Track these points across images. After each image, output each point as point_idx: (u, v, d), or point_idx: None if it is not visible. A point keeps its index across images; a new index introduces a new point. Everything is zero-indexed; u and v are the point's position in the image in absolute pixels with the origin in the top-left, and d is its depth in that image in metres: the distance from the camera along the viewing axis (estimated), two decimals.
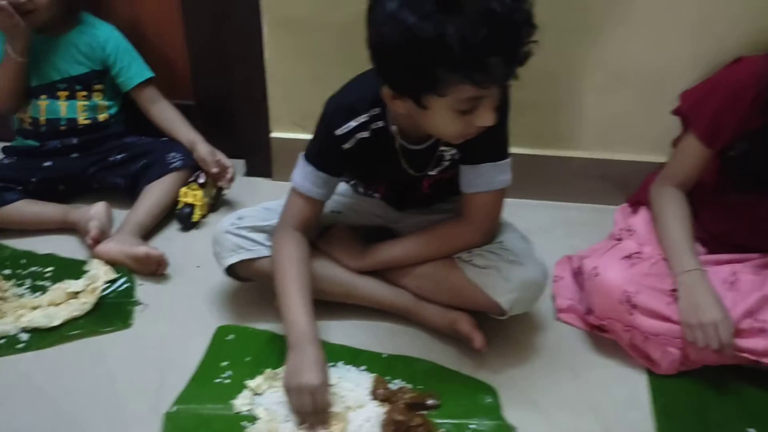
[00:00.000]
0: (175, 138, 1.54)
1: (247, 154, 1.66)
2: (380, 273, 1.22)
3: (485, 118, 0.94)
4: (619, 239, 1.26)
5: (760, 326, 1.07)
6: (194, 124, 1.57)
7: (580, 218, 1.51)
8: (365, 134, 1.08)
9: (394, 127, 1.08)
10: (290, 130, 1.58)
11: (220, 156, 1.51)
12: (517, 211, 1.27)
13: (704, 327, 1.07)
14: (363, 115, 1.07)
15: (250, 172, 1.67)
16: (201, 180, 1.50)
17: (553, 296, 1.29)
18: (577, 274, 1.26)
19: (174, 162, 1.49)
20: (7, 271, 1.33)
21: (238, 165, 1.65)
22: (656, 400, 1.09)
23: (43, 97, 1.48)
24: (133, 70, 1.52)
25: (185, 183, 1.50)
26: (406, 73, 0.90)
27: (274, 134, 1.59)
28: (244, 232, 1.19)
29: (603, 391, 1.11)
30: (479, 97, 0.91)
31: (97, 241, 1.35)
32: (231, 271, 1.20)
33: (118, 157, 1.53)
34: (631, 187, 1.36)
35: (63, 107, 1.49)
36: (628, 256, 1.16)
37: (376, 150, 1.10)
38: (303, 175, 1.13)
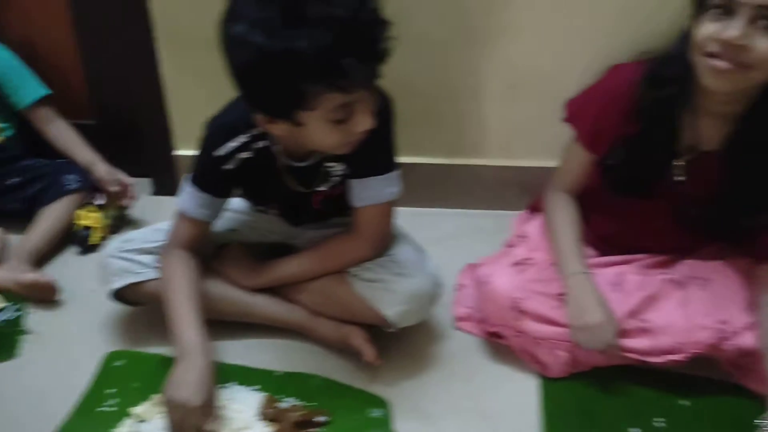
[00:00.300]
0: (72, 159, 1.50)
1: (153, 173, 1.63)
2: (275, 290, 1.21)
3: (363, 123, 0.94)
4: (512, 246, 1.28)
5: (644, 326, 1.10)
6: (95, 144, 1.53)
7: (486, 225, 1.52)
8: (247, 154, 1.07)
9: (276, 147, 1.07)
10: (195, 148, 1.54)
11: (120, 175, 1.48)
12: (422, 220, 1.28)
13: (589, 329, 1.08)
14: (243, 135, 1.06)
15: (157, 191, 1.64)
16: (100, 201, 1.46)
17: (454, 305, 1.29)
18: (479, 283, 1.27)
19: (69, 184, 1.45)
20: None
21: (143, 184, 1.62)
22: (546, 404, 1.10)
23: None
24: (27, 88, 1.47)
25: (82, 205, 1.46)
26: (271, 95, 0.90)
27: (178, 152, 1.57)
28: (130, 255, 1.16)
29: (495, 398, 1.12)
30: (350, 102, 0.91)
31: None
32: (119, 295, 1.18)
33: (15, 180, 1.48)
34: (536, 193, 1.38)
35: None
36: (518, 263, 1.18)
37: (261, 169, 1.09)
38: (187, 196, 1.12)
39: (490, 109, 1.47)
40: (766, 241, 1.14)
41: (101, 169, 1.47)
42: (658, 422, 1.07)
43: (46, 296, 1.30)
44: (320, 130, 0.94)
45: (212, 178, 1.10)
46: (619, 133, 1.12)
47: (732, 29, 0.94)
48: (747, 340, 1.06)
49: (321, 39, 0.82)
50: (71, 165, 1.49)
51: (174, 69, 1.46)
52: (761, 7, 0.92)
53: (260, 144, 1.07)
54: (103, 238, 1.45)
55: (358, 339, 1.13)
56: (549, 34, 1.37)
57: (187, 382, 0.99)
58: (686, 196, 1.11)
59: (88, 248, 1.43)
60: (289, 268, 1.19)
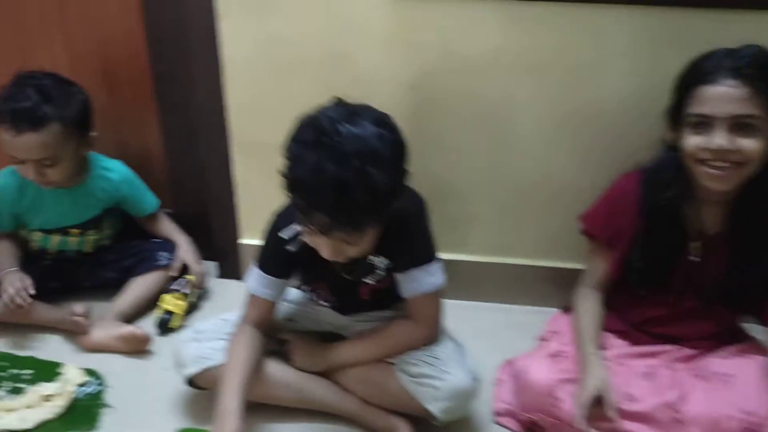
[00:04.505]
0: (169, 241, 1.69)
1: (219, 258, 1.80)
2: (327, 376, 1.32)
3: (323, 253, 1.12)
4: (546, 340, 1.39)
5: (677, 416, 1.18)
6: None
7: (522, 321, 1.61)
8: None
9: None
10: (258, 238, 1.71)
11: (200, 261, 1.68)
12: (461, 313, 1.38)
13: (582, 384, 1.20)
14: None
15: (222, 274, 1.81)
16: (185, 290, 1.61)
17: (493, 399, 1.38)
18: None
19: (161, 260, 1.63)
20: None
21: (210, 267, 1.79)
22: None
23: (56, 234, 1.60)
24: (144, 203, 1.67)
25: (169, 281, 1.63)
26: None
27: (243, 241, 1.74)
28: (203, 343, 1.30)
29: None
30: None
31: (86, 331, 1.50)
32: (191, 380, 1.31)
33: (112, 256, 1.67)
34: (569, 292, 1.49)
35: (74, 242, 1.62)
36: (553, 354, 1.29)
37: (317, 254, 1.21)
38: (254, 278, 1.28)
39: (527, 212, 1.60)
40: None
41: (187, 251, 1.66)
42: None
43: (140, 347, 1.48)
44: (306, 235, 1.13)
45: (276, 260, 1.26)
46: (633, 233, 1.25)
47: (718, 139, 1.10)
48: None
49: (306, 181, 1.03)
50: (165, 244, 1.67)
51: (244, 170, 1.65)
52: (735, 116, 1.08)
53: None
54: (182, 325, 1.60)
55: (404, 431, 1.24)
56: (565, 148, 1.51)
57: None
58: (704, 276, 1.24)
59: (166, 331, 1.58)
60: (351, 351, 1.30)
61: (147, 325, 1.59)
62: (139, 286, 1.62)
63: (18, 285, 1.49)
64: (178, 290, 1.61)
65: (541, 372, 1.24)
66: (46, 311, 1.56)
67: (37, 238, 1.61)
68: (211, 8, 1.46)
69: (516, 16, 1.38)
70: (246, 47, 1.49)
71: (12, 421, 1.31)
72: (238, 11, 1.46)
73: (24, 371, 1.45)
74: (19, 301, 1.47)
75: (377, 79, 1.48)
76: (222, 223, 1.73)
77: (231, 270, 1.79)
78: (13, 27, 1.61)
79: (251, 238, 1.73)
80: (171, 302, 1.59)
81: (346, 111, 1.06)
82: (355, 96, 1.48)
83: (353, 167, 1.00)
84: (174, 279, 1.64)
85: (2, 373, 1.45)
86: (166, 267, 1.63)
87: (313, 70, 1.50)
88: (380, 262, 1.24)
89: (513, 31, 1.40)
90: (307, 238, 1.13)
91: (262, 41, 1.48)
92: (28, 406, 1.35)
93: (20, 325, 1.56)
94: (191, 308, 1.65)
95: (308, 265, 1.28)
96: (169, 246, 1.67)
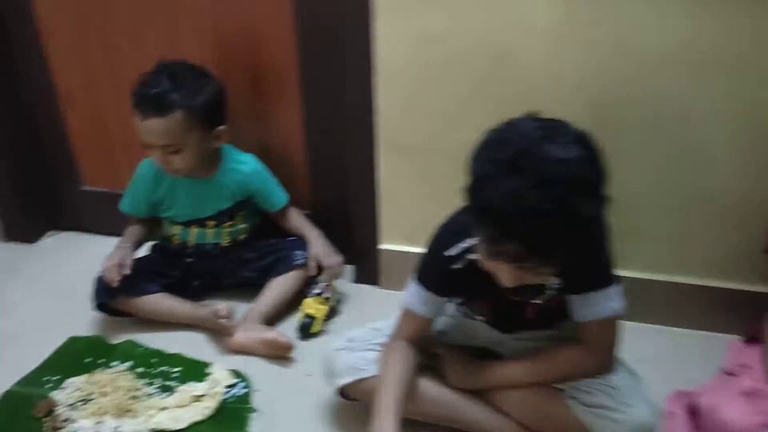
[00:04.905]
0: (301, 237, 1.67)
1: (357, 262, 1.75)
2: (483, 397, 1.24)
3: (501, 279, 1.02)
4: (734, 374, 1.23)
5: None
6: None
7: (691, 346, 1.47)
8: (474, 256, 1.13)
9: None
10: (399, 243, 1.66)
11: (335, 253, 1.65)
12: (626, 336, 1.26)
13: None
14: (473, 239, 1.12)
15: (358, 279, 1.76)
16: (326, 294, 1.59)
17: None
18: (693, 413, 1.23)
19: (298, 260, 1.61)
20: (140, 369, 1.46)
21: (347, 270, 1.74)
22: None
23: (194, 227, 1.62)
24: (275, 197, 1.66)
25: (307, 280, 1.61)
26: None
27: (383, 246, 1.68)
28: (357, 352, 1.25)
29: None
30: (493, 257, 0.99)
31: (231, 333, 1.50)
32: (341, 390, 1.27)
33: (252, 255, 1.67)
34: (746, 317, 1.33)
35: (210, 234, 1.64)
36: (748, 393, 1.13)
37: (483, 273, 1.14)
38: (412, 293, 1.21)
39: (697, 229, 1.45)
40: None
41: (319, 246, 1.63)
42: None
43: (283, 353, 1.48)
44: (478, 250, 1.03)
45: (438, 277, 1.18)
46: None
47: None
48: None
49: (500, 206, 0.91)
50: (301, 242, 1.65)
51: (389, 173, 1.59)
52: None
53: None
54: (322, 330, 1.57)
55: None
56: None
57: None
58: None
59: (307, 336, 1.56)
60: (512, 371, 1.21)
61: (286, 328, 1.58)
62: (278, 288, 1.61)
63: (116, 260, 1.52)
64: (320, 294, 1.58)
65: (735, 413, 1.09)
66: (190, 309, 1.58)
67: (177, 231, 1.64)
68: (366, 6, 1.40)
69: (711, 3, 1.23)
70: (401, 45, 1.43)
71: (165, 420, 1.31)
72: (396, 8, 1.39)
73: (173, 369, 1.46)
74: (110, 276, 1.50)
75: (540, 78, 1.38)
76: (362, 227, 1.68)
77: (368, 275, 1.74)
78: (166, 18, 1.62)
79: (391, 244, 1.68)
80: (313, 306, 1.56)
81: (544, 128, 0.94)
82: (514, 96, 1.41)
83: (557, 196, 0.88)
84: (312, 278, 1.63)
85: (153, 370, 1.46)
86: (302, 266, 1.62)
87: (470, 69, 1.42)
88: (552, 282, 1.14)
89: (706, 22, 1.25)
90: (483, 263, 1.04)
91: (417, 39, 1.41)
92: (179, 405, 1.35)
93: (167, 323, 1.58)
94: (331, 313, 1.62)
95: (472, 284, 1.19)
96: (303, 244, 1.65)
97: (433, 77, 1.44)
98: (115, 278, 1.50)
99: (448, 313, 1.35)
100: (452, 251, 1.14)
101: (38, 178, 1.90)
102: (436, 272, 1.18)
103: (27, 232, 1.93)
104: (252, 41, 1.62)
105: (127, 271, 1.52)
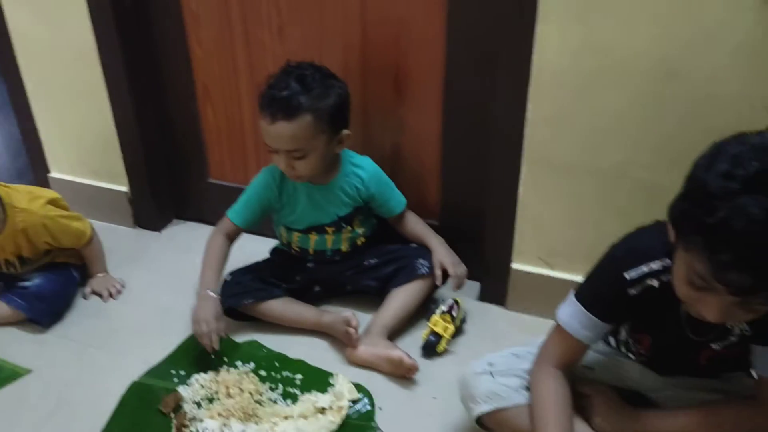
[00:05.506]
0: (423, 245, 1.60)
1: (484, 279, 1.66)
2: None
3: (704, 312, 0.89)
4: None
5: None
6: None
7: None
8: (654, 283, 1.02)
9: None
10: (533, 264, 1.56)
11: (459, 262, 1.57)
12: None
13: None
14: (656, 262, 1.01)
15: (483, 297, 1.67)
16: (454, 312, 1.51)
17: None
18: None
19: (420, 269, 1.54)
20: (262, 372, 1.43)
21: (473, 287, 1.66)
22: None
23: (313, 233, 1.58)
24: (392, 201, 1.60)
25: (430, 291, 1.55)
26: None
27: (515, 265, 1.58)
28: (499, 378, 1.17)
29: None
30: (708, 286, 0.85)
31: (356, 345, 1.45)
32: (478, 419, 1.18)
33: (372, 261, 1.61)
34: None
35: (329, 240, 1.59)
36: None
37: (659, 303, 1.03)
38: (571, 313, 1.09)
39: None
40: None
41: (443, 254, 1.56)
42: None
43: (406, 374, 1.41)
44: (677, 271, 0.91)
45: (608, 300, 1.07)
46: None
47: None
48: None
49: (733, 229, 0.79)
50: (424, 250, 1.58)
51: (531, 189, 1.48)
52: None
53: (670, 278, 0.98)
54: (446, 349, 1.50)
55: None
56: None
57: None
58: None
59: (432, 354, 1.49)
60: (672, 422, 1.10)
61: (408, 343, 1.51)
62: (400, 299, 1.55)
63: (213, 325, 1.42)
64: (448, 311, 1.50)
65: None
66: (317, 315, 1.54)
67: (296, 239, 1.60)
68: (528, 11, 1.30)
69: None
70: (562, 54, 1.32)
71: (289, 430, 1.27)
72: (562, 14, 1.29)
73: (295, 375, 1.43)
74: (206, 343, 1.41)
75: (721, 96, 1.24)
76: (494, 243, 1.59)
77: (495, 294, 1.64)
78: (312, 14, 1.58)
79: (523, 264, 1.57)
80: (440, 324, 1.49)
81: None
82: (684, 116, 1.27)
83: None
84: (436, 287, 1.56)
85: (275, 374, 1.43)
86: (425, 276, 1.54)
87: (637, 82, 1.29)
88: (744, 327, 1.00)
89: None
90: (681, 290, 0.92)
91: (580, 48, 1.30)
92: (302, 416, 1.31)
93: (284, 326, 1.55)
94: (457, 332, 1.53)
95: (643, 315, 1.07)
96: (426, 252, 1.58)
97: (593, 90, 1.33)
98: (214, 345, 1.41)
99: (597, 349, 1.23)
100: (633, 273, 1.02)
101: (169, 168, 1.92)
102: (609, 295, 1.06)
103: (154, 220, 1.96)
104: (399, 42, 1.55)
105: (224, 337, 1.45)
